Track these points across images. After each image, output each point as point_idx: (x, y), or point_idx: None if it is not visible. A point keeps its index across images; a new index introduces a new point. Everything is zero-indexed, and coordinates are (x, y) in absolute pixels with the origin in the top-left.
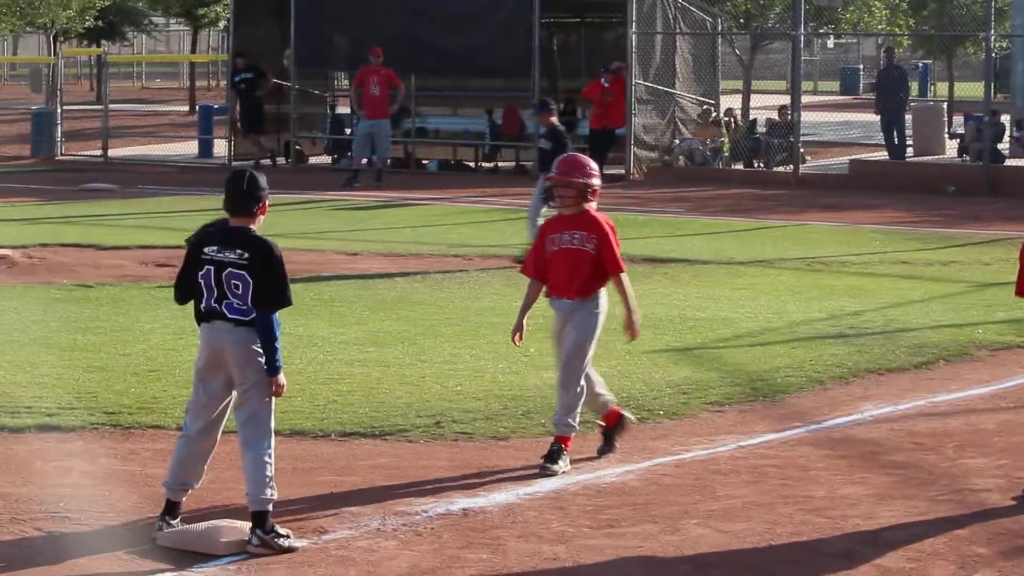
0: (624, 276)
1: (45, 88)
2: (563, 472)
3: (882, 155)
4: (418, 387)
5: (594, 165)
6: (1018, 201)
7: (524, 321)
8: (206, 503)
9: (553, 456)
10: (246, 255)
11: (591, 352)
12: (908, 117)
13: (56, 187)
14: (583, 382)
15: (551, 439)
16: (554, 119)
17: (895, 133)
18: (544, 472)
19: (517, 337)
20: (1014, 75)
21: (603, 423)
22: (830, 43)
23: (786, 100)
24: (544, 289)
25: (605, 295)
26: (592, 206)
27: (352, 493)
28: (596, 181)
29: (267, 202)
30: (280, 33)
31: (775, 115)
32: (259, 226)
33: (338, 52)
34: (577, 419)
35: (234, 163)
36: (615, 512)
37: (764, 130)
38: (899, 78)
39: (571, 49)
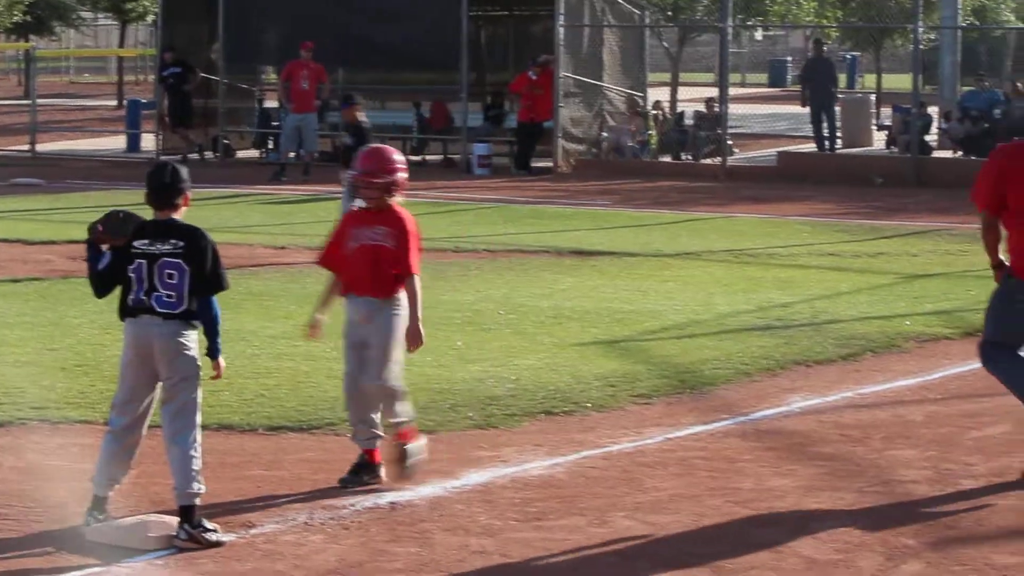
0: (417, 279)
1: None
2: (421, 457)
3: (810, 147)
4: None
5: (399, 157)
6: (945, 192)
7: (320, 316)
8: (134, 498)
9: (405, 454)
10: (180, 244)
11: (400, 352)
12: (837, 109)
13: None
14: (400, 383)
15: (479, 432)
16: (358, 114)
17: (824, 125)
18: (406, 474)
19: (312, 332)
20: (942, 67)
21: (367, 453)
22: (758, 35)
23: (713, 92)
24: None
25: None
26: (397, 200)
27: (280, 487)
28: (401, 175)
29: (189, 194)
30: (208, 27)
31: (703, 107)
32: (181, 217)
33: (266, 46)
34: (407, 408)
35: (162, 157)
36: (543, 505)
37: (692, 122)
38: (827, 70)
39: (499, 42)
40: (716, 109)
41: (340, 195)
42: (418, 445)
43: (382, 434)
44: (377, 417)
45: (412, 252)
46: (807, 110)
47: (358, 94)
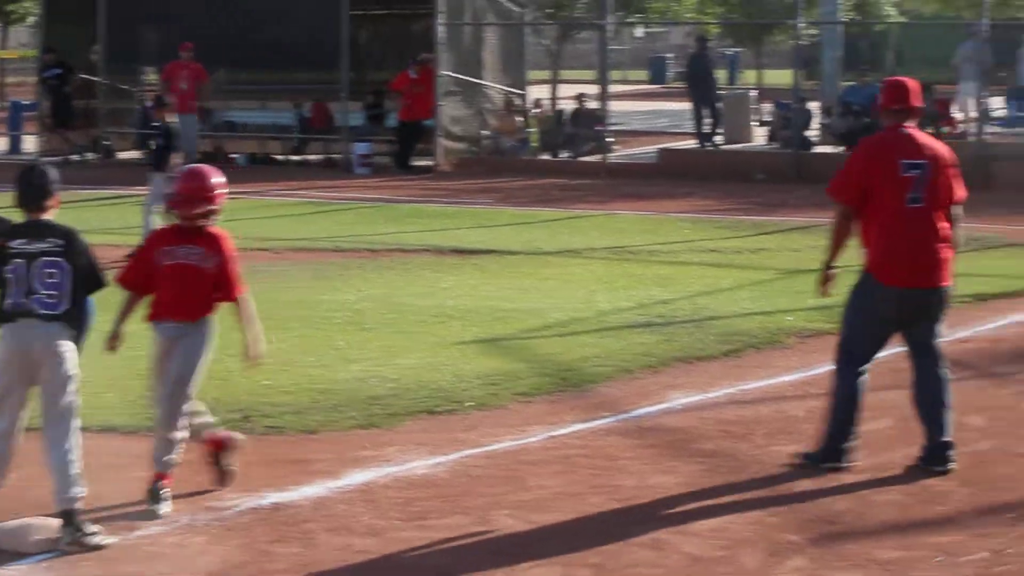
0: (245, 298)
1: None
2: (166, 513)
3: (691, 144)
4: (227, 382)
5: (218, 180)
6: (826, 187)
7: (122, 329)
8: (15, 501)
9: (155, 496)
10: (60, 243)
11: (197, 383)
12: (719, 105)
13: None
14: (187, 419)
15: (361, 432)
16: (167, 116)
17: (706, 121)
18: (149, 515)
19: (114, 343)
20: (823, 62)
21: (210, 452)
22: (639, 32)
23: (585, 89)
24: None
25: (215, 321)
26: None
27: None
28: (220, 201)
29: (58, 195)
30: (89, 28)
31: (583, 104)
32: (53, 218)
33: (147, 47)
34: (179, 452)
35: (43, 159)
36: (425, 504)
37: (570, 120)
38: (710, 65)
39: (380, 41)
40: (587, 105)
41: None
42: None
43: (210, 419)
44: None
45: (235, 274)
46: (689, 106)
47: (170, 95)
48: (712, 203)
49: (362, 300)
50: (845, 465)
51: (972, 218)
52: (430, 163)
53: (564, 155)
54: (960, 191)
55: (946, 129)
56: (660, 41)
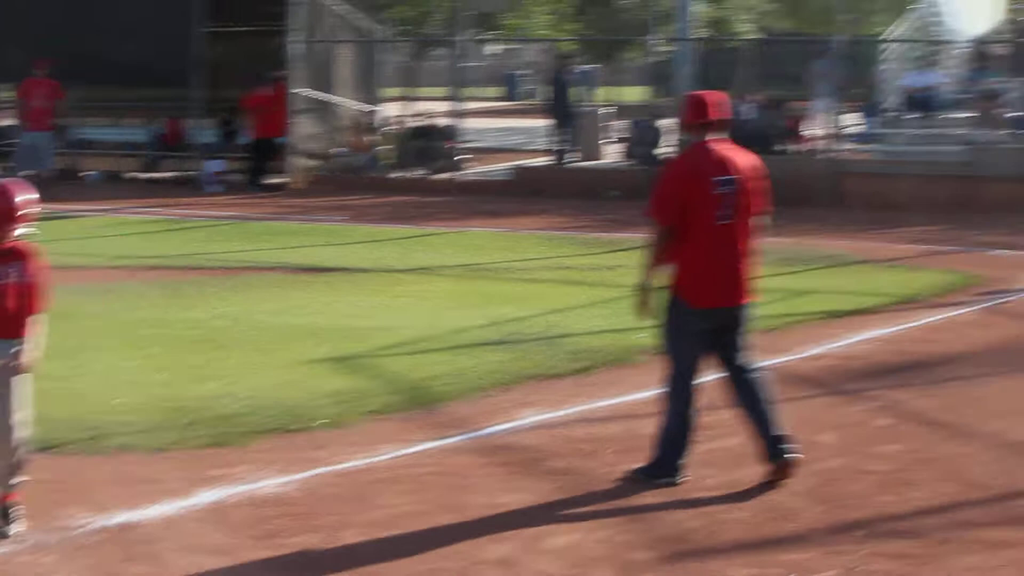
0: (41, 318)
1: None
2: (16, 533)
3: (545, 160)
4: (77, 400)
5: (23, 199)
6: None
7: None
8: None
9: (5, 515)
10: None
11: (28, 398)
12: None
13: None
14: (25, 435)
15: (213, 450)
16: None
17: (563, 138)
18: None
19: None
20: (677, 78)
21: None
22: (493, 49)
23: (439, 105)
24: None
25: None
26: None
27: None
28: (29, 219)
29: None
30: None
31: (436, 121)
32: None
33: (3, 64)
34: (26, 468)
35: None
36: (276, 523)
37: (424, 136)
38: (569, 82)
39: (234, 58)
40: (436, 122)
41: None
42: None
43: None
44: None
45: (40, 291)
46: (543, 123)
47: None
48: (566, 220)
49: (216, 318)
50: (679, 481)
51: (825, 235)
52: (284, 180)
53: (418, 172)
54: (764, 203)
55: (795, 146)
56: (514, 58)
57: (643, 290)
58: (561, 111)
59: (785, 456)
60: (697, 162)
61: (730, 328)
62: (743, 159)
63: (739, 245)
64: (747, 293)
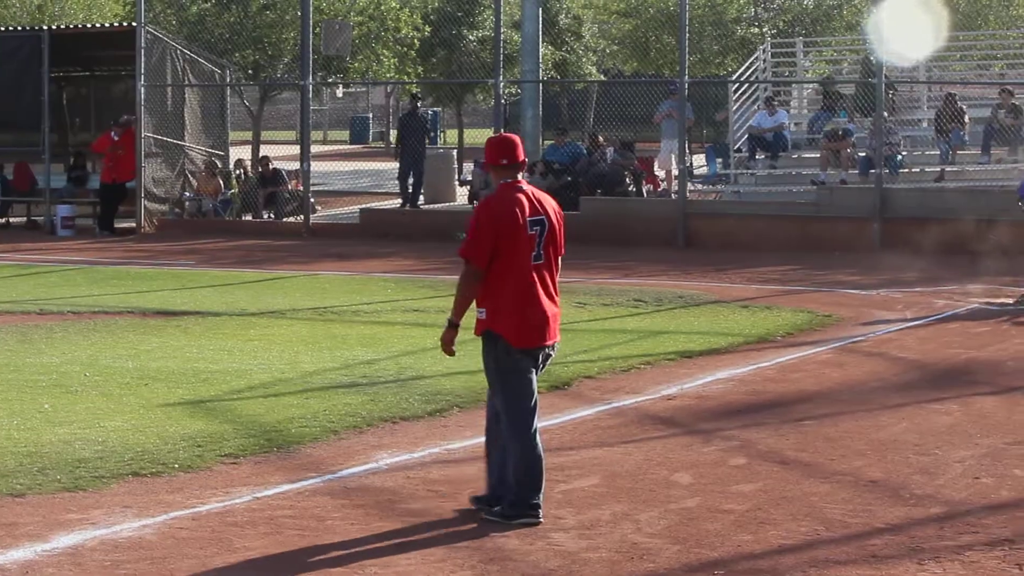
0: None
1: None
2: None
3: (392, 203)
4: None
5: None
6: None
7: None
8: None
9: None
10: None
11: None
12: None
13: None
14: None
15: (68, 495)
16: None
17: (410, 181)
18: None
19: None
20: (524, 120)
21: None
22: (339, 92)
23: (283, 149)
24: None
25: None
26: None
27: None
28: None
29: None
30: None
31: (285, 165)
32: None
33: None
34: None
35: None
36: (133, 567)
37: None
38: (420, 125)
39: (81, 102)
40: (284, 166)
41: None
42: None
43: None
44: None
45: None
46: (391, 166)
47: None
48: (414, 263)
49: (67, 363)
50: (536, 521)
51: (677, 276)
52: (132, 225)
53: (267, 216)
54: (563, 244)
55: (645, 188)
56: (361, 101)
57: (451, 328)
58: (410, 154)
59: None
60: (510, 202)
61: (539, 367)
62: (548, 200)
63: (551, 285)
64: (556, 331)
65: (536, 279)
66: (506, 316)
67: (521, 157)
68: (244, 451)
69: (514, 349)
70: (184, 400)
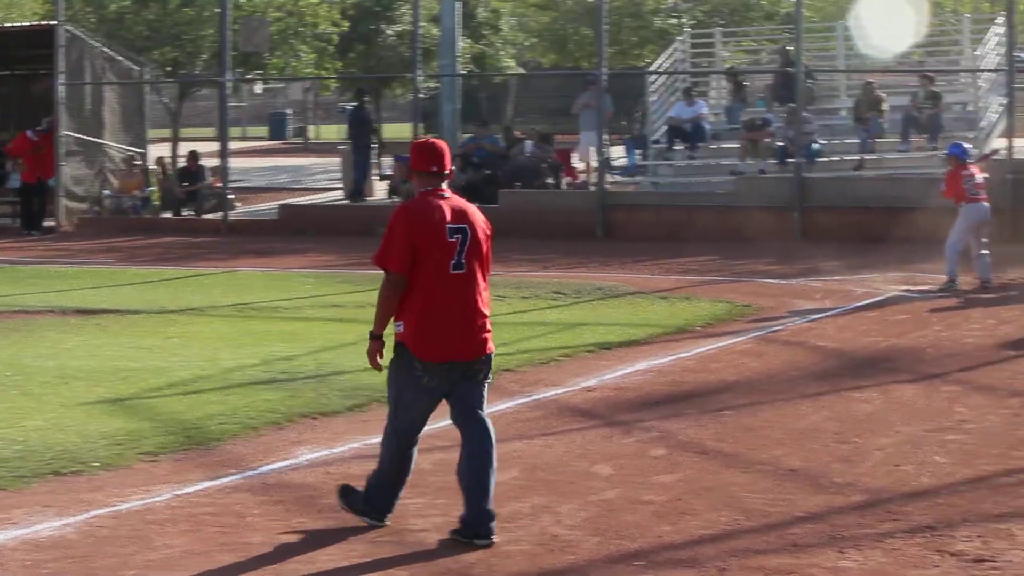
0: None
1: None
2: None
3: (311, 199)
4: None
5: None
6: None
7: None
8: None
9: None
10: None
11: None
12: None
13: None
14: None
15: None
16: None
17: (356, 174)
18: None
19: None
20: (442, 115)
21: None
22: (258, 89)
23: (202, 146)
24: None
25: None
26: None
27: None
28: None
29: None
30: None
31: (203, 162)
32: None
33: None
34: None
35: None
36: (54, 566)
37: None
38: (367, 119)
39: (1, 102)
40: (200, 163)
41: None
42: None
43: None
44: None
45: None
46: (310, 161)
47: None
48: (333, 258)
49: None
50: (382, 524)
51: (595, 268)
52: (52, 223)
53: (186, 213)
54: (490, 256)
55: (564, 180)
56: (280, 97)
57: (374, 340)
58: (361, 146)
59: (488, 539)
60: (429, 208)
61: (463, 378)
62: (473, 209)
63: (474, 296)
64: (483, 346)
65: (455, 289)
66: (416, 327)
67: (449, 167)
68: (164, 449)
69: (419, 362)
70: (104, 398)
